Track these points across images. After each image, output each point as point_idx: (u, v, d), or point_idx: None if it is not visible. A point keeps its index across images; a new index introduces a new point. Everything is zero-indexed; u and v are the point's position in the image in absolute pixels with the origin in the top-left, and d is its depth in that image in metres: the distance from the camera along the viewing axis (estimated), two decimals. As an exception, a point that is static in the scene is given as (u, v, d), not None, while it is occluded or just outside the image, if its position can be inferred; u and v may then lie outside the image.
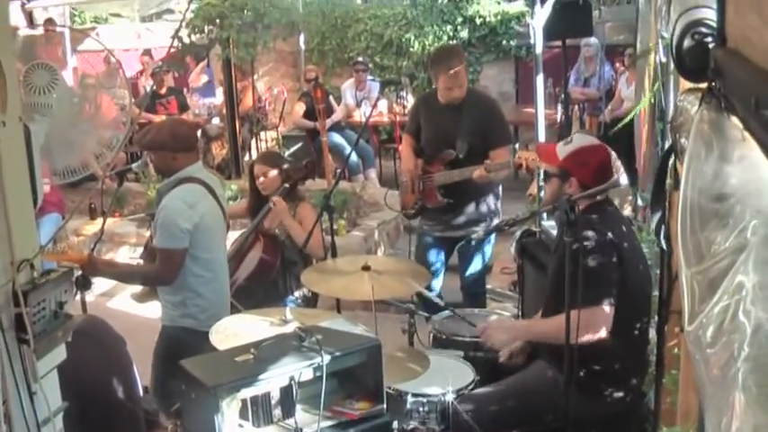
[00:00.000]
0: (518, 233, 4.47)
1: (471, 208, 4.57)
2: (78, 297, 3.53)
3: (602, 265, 2.85)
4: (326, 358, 2.30)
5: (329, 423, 2.36)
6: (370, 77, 9.22)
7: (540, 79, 5.25)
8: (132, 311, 5.20)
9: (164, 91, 9.25)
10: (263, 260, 4.22)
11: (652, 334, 3.09)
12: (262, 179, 4.34)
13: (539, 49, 5.15)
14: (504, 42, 10.16)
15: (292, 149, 8.74)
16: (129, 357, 2.96)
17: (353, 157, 8.12)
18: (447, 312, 3.69)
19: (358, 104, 9.02)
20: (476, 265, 4.71)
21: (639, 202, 4.66)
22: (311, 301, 4.25)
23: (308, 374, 2.31)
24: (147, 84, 10.30)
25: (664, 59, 3.43)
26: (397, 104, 9.04)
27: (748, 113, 1.10)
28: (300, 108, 8.74)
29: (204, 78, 10.29)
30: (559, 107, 7.70)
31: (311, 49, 10.83)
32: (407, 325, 3.55)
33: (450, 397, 3.00)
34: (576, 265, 2.69)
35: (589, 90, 8.68)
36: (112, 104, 3.64)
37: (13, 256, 1.79)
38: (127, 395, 2.84)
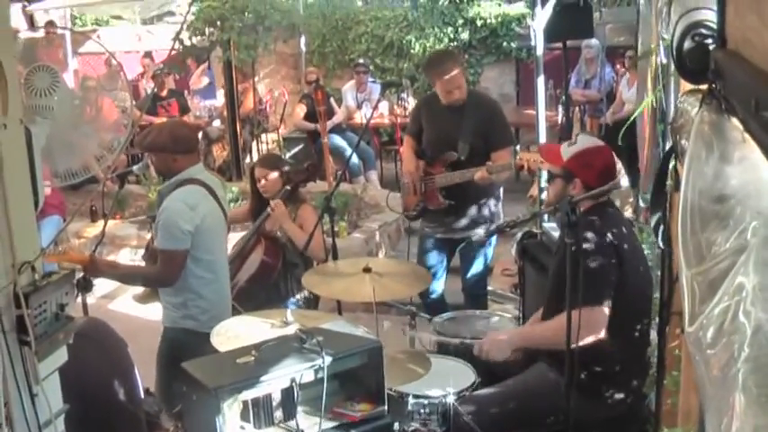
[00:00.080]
0: (519, 235, 4.48)
1: (473, 210, 4.57)
2: (79, 299, 3.53)
3: (602, 266, 2.85)
4: (327, 360, 2.30)
5: (330, 425, 2.36)
6: (370, 79, 9.22)
7: (540, 81, 5.25)
8: (133, 314, 5.20)
9: (165, 93, 9.24)
10: (264, 262, 4.23)
11: (653, 335, 3.09)
12: (263, 182, 4.34)
13: (539, 50, 5.14)
14: (505, 44, 10.17)
15: (293, 151, 8.74)
16: (130, 359, 2.96)
17: (354, 158, 8.12)
18: (448, 314, 3.68)
19: (359, 106, 9.02)
20: (477, 267, 4.70)
21: (641, 203, 4.66)
22: (312, 302, 4.26)
23: (309, 376, 2.31)
24: (148, 86, 10.29)
25: (664, 61, 3.42)
26: (398, 106, 9.04)
27: (748, 115, 1.10)
28: (301, 110, 8.74)
29: (205, 80, 10.29)
30: (560, 109, 7.70)
31: (312, 51, 10.84)
32: (408, 327, 3.55)
33: (451, 399, 2.99)
34: (577, 267, 2.69)
35: (590, 92, 8.68)
36: (113, 107, 3.64)
37: (14, 259, 1.79)
38: (128, 397, 2.83)
